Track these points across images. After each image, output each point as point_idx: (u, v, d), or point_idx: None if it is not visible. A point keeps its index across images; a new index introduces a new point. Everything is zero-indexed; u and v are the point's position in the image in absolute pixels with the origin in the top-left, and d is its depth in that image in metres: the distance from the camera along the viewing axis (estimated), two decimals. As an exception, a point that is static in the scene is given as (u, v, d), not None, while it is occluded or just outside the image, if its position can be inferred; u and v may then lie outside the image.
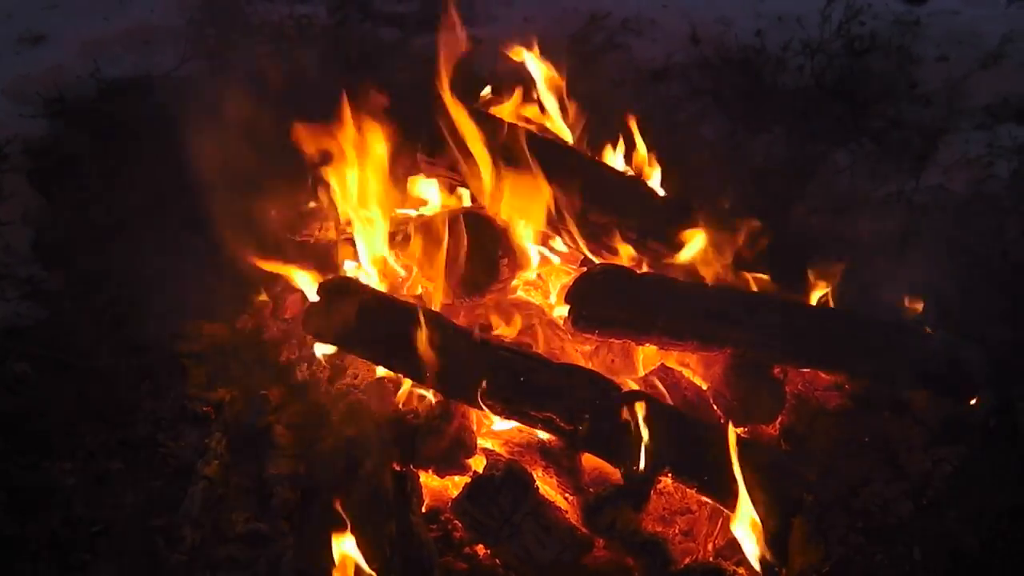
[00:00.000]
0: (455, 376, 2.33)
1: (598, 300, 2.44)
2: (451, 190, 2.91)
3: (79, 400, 2.58)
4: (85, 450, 2.46)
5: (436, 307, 2.62)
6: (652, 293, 2.46)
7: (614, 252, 2.67)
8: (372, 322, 2.43)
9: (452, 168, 2.80)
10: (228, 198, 2.97)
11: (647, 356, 2.62)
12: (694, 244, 2.58)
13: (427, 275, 2.70)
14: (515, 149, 2.64)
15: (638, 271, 2.58)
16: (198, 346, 2.76)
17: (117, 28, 3.97)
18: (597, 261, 2.71)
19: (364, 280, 2.70)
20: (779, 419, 2.43)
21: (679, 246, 2.59)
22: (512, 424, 2.37)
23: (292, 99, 3.24)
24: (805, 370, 2.50)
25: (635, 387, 2.44)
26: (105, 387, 2.63)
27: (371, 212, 2.76)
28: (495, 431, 2.43)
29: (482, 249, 2.65)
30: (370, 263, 2.79)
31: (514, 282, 2.76)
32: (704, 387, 2.50)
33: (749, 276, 2.61)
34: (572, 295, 2.47)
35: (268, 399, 2.57)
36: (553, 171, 2.63)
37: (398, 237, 2.82)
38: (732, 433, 2.13)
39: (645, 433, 2.15)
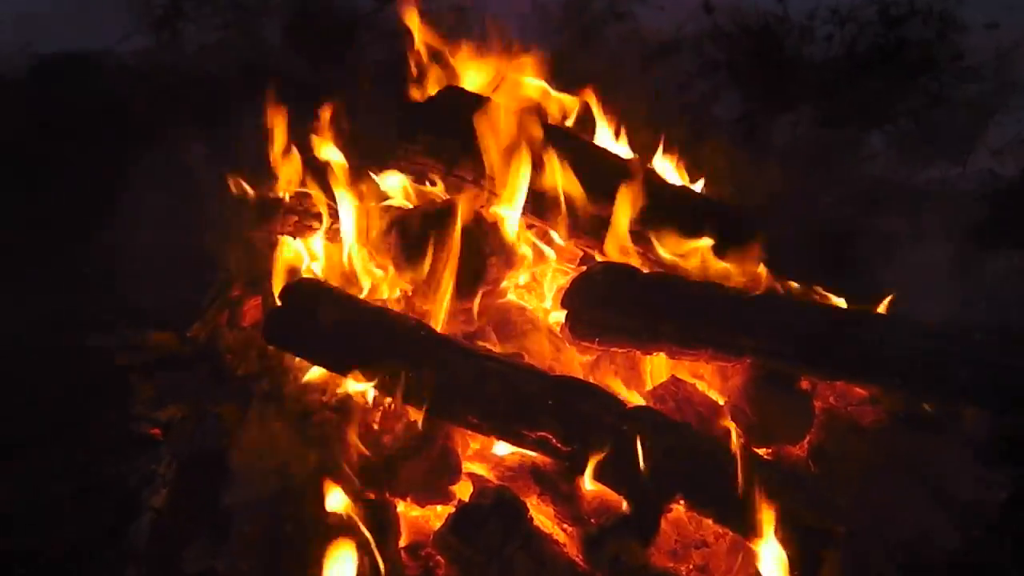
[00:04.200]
0: (437, 391, 2.32)
1: (599, 303, 2.43)
2: (430, 179, 2.91)
3: (13, 420, 2.58)
4: (21, 475, 2.46)
5: (415, 313, 2.60)
6: (660, 295, 2.45)
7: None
8: (342, 330, 2.42)
9: (432, 154, 2.81)
10: (181, 192, 2.96)
11: (655, 367, 2.61)
12: (707, 239, 2.58)
13: (405, 276, 2.68)
14: (508, 131, 2.65)
15: (644, 270, 2.58)
16: (145, 358, 2.76)
17: (53, -2, 3.96)
18: (598, 259, 2.70)
19: (333, 282, 2.69)
20: (807, 438, 2.44)
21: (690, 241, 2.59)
22: (502, 445, 2.37)
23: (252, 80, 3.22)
24: (836, 382, 2.49)
25: (642, 402, 2.43)
26: (42, 405, 2.64)
27: (346, 205, 2.76)
28: (483, 453, 2.43)
29: (468, 246, 2.62)
30: (341, 262, 2.79)
31: (504, 283, 2.75)
32: (721, 402, 2.50)
33: (770, 275, 2.63)
34: (569, 298, 2.46)
35: (224, 418, 2.56)
36: (549, 156, 2.64)
37: (372, 233, 2.80)
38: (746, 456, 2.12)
39: (654, 454, 2.14)
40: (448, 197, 2.83)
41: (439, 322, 2.53)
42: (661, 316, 2.41)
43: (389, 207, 2.86)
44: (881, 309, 2.59)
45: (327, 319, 2.43)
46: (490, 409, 2.28)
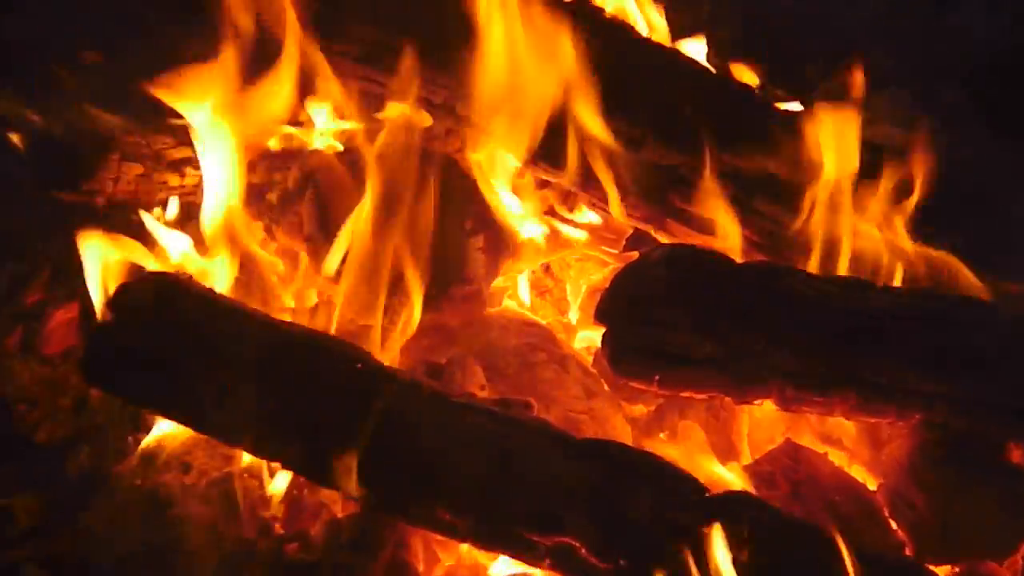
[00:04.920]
0: (384, 465, 2.29)
1: (660, 317, 2.39)
2: (375, 105, 2.90)
3: None
4: None
5: (351, 336, 2.59)
6: (767, 301, 2.44)
7: (688, 221, 2.68)
8: (219, 361, 2.37)
9: (374, 63, 2.82)
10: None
11: (757, 425, 2.63)
12: (842, 204, 2.63)
13: (326, 269, 2.70)
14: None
15: (735, 259, 2.57)
16: None
17: None
18: (659, 241, 2.72)
19: (202, 279, 2.68)
20: (1022, 550, 2.47)
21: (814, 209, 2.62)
22: (498, 559, 2.43)
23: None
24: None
25: (737, 485, 2.41)
26: None
27: (219, 144, 2.75)
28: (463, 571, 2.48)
29: (438, 219, 2.66)
30: (216, 245, 2.77)
31: (499, 282, 2.79)
32: (872, 486, 2.55)
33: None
34: (610, 307, 2.45)
35: (16, 514, 2.58)
36: (579, 67, 2.66)
37: (271, 194, 2.84)
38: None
39: (756, 573, 2.11)
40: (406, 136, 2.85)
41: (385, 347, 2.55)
42: (767, 337, 2.38)
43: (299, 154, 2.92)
44: None
45: (191, 343, 2.40)
46: (475, 498, 2.25)
